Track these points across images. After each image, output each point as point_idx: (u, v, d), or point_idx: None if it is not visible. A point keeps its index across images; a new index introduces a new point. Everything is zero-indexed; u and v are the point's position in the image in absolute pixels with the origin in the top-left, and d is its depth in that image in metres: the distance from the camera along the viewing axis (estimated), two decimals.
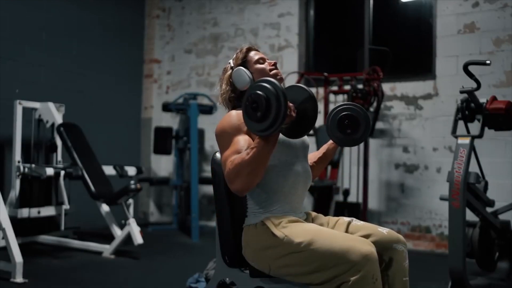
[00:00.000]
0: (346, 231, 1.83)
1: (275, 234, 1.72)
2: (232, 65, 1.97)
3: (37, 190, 4.24)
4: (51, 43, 4.99)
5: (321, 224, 1.90)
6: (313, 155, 2.13)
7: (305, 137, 2.00)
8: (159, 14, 6.22)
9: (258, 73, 1.92)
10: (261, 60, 1.95)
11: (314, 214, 1.99)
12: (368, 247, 1.60)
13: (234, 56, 1.99)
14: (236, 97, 1.95)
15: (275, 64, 1.96)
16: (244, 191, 1.70)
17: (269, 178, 1.81)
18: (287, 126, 1.72)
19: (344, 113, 1.97)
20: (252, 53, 1.97)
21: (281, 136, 1.81)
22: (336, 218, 1.94)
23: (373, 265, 1.58)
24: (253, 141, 1.73)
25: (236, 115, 1.83)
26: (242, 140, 1.75)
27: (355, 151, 4.73)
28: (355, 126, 1.96)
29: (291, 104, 1.66)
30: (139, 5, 6.19)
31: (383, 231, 1.79)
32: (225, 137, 1.80)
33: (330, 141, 2.08)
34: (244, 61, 1.95)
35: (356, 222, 1.87)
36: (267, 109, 1.57)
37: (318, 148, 4.38)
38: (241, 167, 1.64)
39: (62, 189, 3.98)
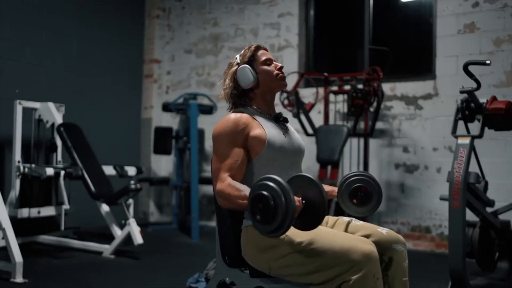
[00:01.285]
0: (345, 231, 1.84)
1: None
2: (239, 61, 1.95)
3: (37, 190, 4.24)
4: (51, 43, 4.99)
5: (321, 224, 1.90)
6: None
7: (301, 142, 1.99)
8: (159, 14, 6.22)
9: (263, 74, 1.92)
10: (268, 62, 1.94)
11: None
12: (369, 246, 1.61)
13: (242, 52, 1.97)
14: (237, 95, 1.94)
15: (281, 68, 1.95)
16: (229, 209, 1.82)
17: None
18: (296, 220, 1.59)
19: (357, 184, 1.93)
20: (260, 53, 1.96)
21: (276, 141, 1.82)
22: (335, 217, 1.94)
23: (374, 264, 1.58)
24: (249, 151, 1.80)
25: (234, 121, 1.82)
26: (236, 155, 1.79)
27: (355, 151, 4.73)
28: (366, 200, 1.93)
29: (298, 199, 1.56)
30: (139, 5, 6.19)
31: (383, 231, 1.79)
32: (220, 143, 1.82)
33: (333, 190, 2.01)
34: (251, 60, 1.93)
35: (355, 222, 1.87)
36: (274, 210, 1.50)
37: (318, 148, 4.39)
38: (233, 200, 1.72)
39: (62, 189, 3.98)
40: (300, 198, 1.58)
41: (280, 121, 1.96)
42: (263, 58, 1.94)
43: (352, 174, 1.97)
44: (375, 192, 1.93)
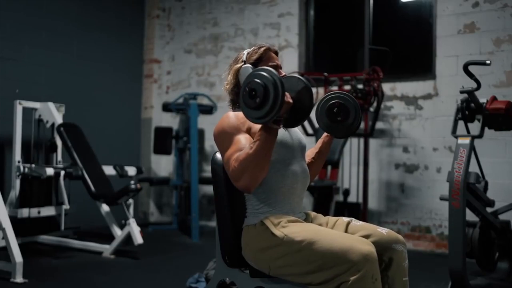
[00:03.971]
0: (345, 232, 1.83)
1: (275, 234, 1.72)
2: (245, 59, 1.92)
3: (37, 190, 4.24)
4: (51, 43, 4.99)
5: (320, 224, 1.90)
6: (310, 152, 2.11)
7: (302, 137, 2.00)
8: (159, 14, 6.22)
9: None
10: (274, 68, 1.90)
11: (313, 214, 1.99)
12: (368, 247, 1.60)
13: (251, 50, 1.94)
14: (237, 92, 1.92)
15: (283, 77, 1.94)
16: (251, 187, 1.71)
17: (268, 178, 1.81)
18: (284, 116, 1.71)
19: (333, 101, 1.97)
20: (267, 56, 1.93)
21: (278, 136, 1.81)
22: (335, 218, 1.94)
23: (373, 265, 1.58)
24: (253, 138, 1.74)
25: (234, 115, 1.83)
26: (243, 139, 1.76)
27: (355, 151, 4.73)
28: (345, 113, 1.96)
29: (287, 93, 1.65)
30: (139, 5, 6.19)
31: (383, 231, 1.79)
32: (225, 137, 1.80)
33: (324, 134, 2.07)
34: (258, 61, 1.91)
35: (355, 223, 1.87)
36: (265, 96, 1.59)
37: None
38: (246, 162, 1.65)
39: (62, 189, 3.98)
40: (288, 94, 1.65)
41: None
42: (270, 62, 1.92)
43: (325, 95, 2.03)
44: (350, 104, 1.96)
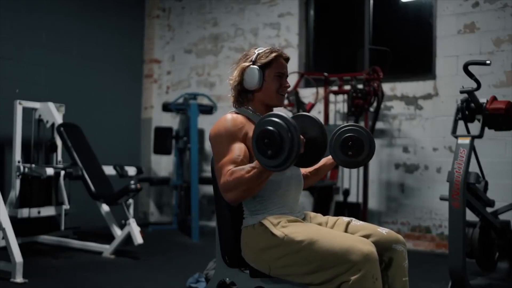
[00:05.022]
0: (345, 231, 1.83)
1: (275, 234, 1.72)
2: (254, 59, 1.88)
3: (37, 190, 4.24)
4: (51, 43, 4.99)
5: (320, 224, 1.90)
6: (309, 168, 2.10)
7: None
8: (159, 14, 6.22)
9: (268, 84, 1.87)
10: (280, 76, 1.89)
11: (312, 214, 1.99)
12: (368, 247, 1.60)
13: (262, 51, 1.89)
14: (239, 90, 1.91)
15: (286, 88, 1.91)
16: (236, 203, 1.75)
17: None
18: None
19: (349, 134, 1.94)
20: (277, 62, 1.88)
21: None
22: (335, 218, 1.94)
23: (374, 264, 1.58)
24: (248, 149, 1.76)
25: (231, 120, 1.81)
26: (238, 149, 1.75)
27: None
28: (359, 149, 1.94)
29: (302, 137, 1.60)
30: (139, 5, 6.19)
31: (383, 231, 1.79)
32: (220, 142, 1.79)
33: (329, 157, 2.05)
34: (266, 65, 1.87)
35: (355, 222, 1.87)
36: (280, 145, 1.53)
37: None
38: (239, 182, 1.65)
39: (62, 189, 3.99)
40: (302, 137, 1.61)
41: None
42: (278, 70, 1.88)
43: (343, 125, 2.00)
44: (366, 140, 1.94)
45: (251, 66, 1.86)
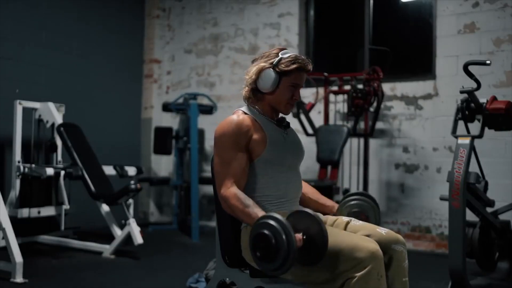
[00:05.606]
0: (345, 231, 1.84)
1: None
2: (275, 62, 1.84)
3: (37, 190, 4.24)
4: (51, 43, 4.99)
5: None
6: (312, 194, 2.09)
7: (301, 146, 2.00)
8: (159, 14, 6.22)
9: (281, 92, 1.86)
10: (295, 87, 1.87)
11: None
12: (374, 245, 1.62)
13: (285, 57, 1.84)
14: (252, 88, 1.89)
15: (295, 100, 1.90)
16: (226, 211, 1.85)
17: (261, 185, 1.83)
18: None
19: (355, 209, 1.99)
20: (296, 74, 1.85)
21: (276, 144, 1.84)
22: (334, 217, 1.94)
23: (379, 262, 1.60)
24: (250, 153, 1.79)
25: (237, 124, 1.81)
26: (239, 160, 1.78)
27: (355, 151, 4.73)
28: (366, 220, 1.97)
29: (298, 235, 1.58)
30: (139, 5, 6.19)
31: (382, 231, 1.79)
32: (222, 147, 1.81)
33: (334, 207, 2.05)
34: (285, 74, 1.83)
35: (354, 222, 1.87)
36: (276, 250, 1.53)
37: (318, 148, 4.39)
38: (234, 210, 1.76)
39: (62, 189, 3.99)
40: (301, 234, 1.59)
41: (282, 125, 1.94)
42: (294, 81, 1.86)
43: (351, 198, 2.01)
44: (372, 217, 1.98)
45: (269, 69, 1.84)
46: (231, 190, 1.75)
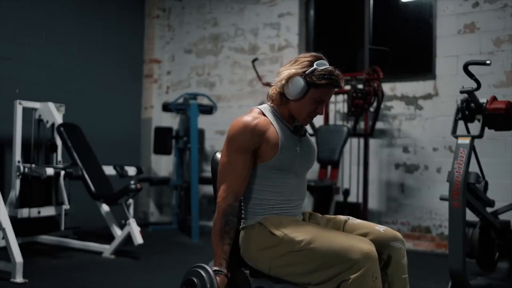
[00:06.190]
0: (343, 230, 1.84)
1: (274, 233, 1.72)
2: (308, 72, 1.77)
3: (37, 190, 4.24)
4: (51, 43, 4.99)
5: (317, 223, 1.91)
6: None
7: (313, 155, 1.96)
8: (159, 14, 6.22)
9: (305, 103, 1.81)
10: (320, 102, 1.82)
11: (309, 213, 1.99)
12: (368, 246, 1.61)
13: (320, 70, 1.77)
14: (278, 92, 1.85)
15: (315, 115, 1.86)
16: None
17: (264, 188, 1.82)
18: None
19: None
20: (325, 89, 1.79)
21: (287, 152, 1.81)
22: (332, 216, 1.94)
23: (373, 263, 1.59)
24: (258, 156, 1.79)
25: (252, 128, 1.77)
26: (244, 167, 1.78)
27: (355, 151, 4.73)
28: None
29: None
30: (139, 5, 6.19)
31: (380, 229, 1.78)
32: (233, 145, 1.79)
33: None
34: (315, 85, 1.78)
35: (352, 221, 1.87)
36: None
37: (318, 148, 4.39)
38: (214, 224, 1.80)
39: (62, 189, 3.98)
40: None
41: (298, 133, 1.89)
42: (321, 96, 1.81)
43: None
44: None
45: (300, 77, 1.78)
46: (226, 201, 1.77)
